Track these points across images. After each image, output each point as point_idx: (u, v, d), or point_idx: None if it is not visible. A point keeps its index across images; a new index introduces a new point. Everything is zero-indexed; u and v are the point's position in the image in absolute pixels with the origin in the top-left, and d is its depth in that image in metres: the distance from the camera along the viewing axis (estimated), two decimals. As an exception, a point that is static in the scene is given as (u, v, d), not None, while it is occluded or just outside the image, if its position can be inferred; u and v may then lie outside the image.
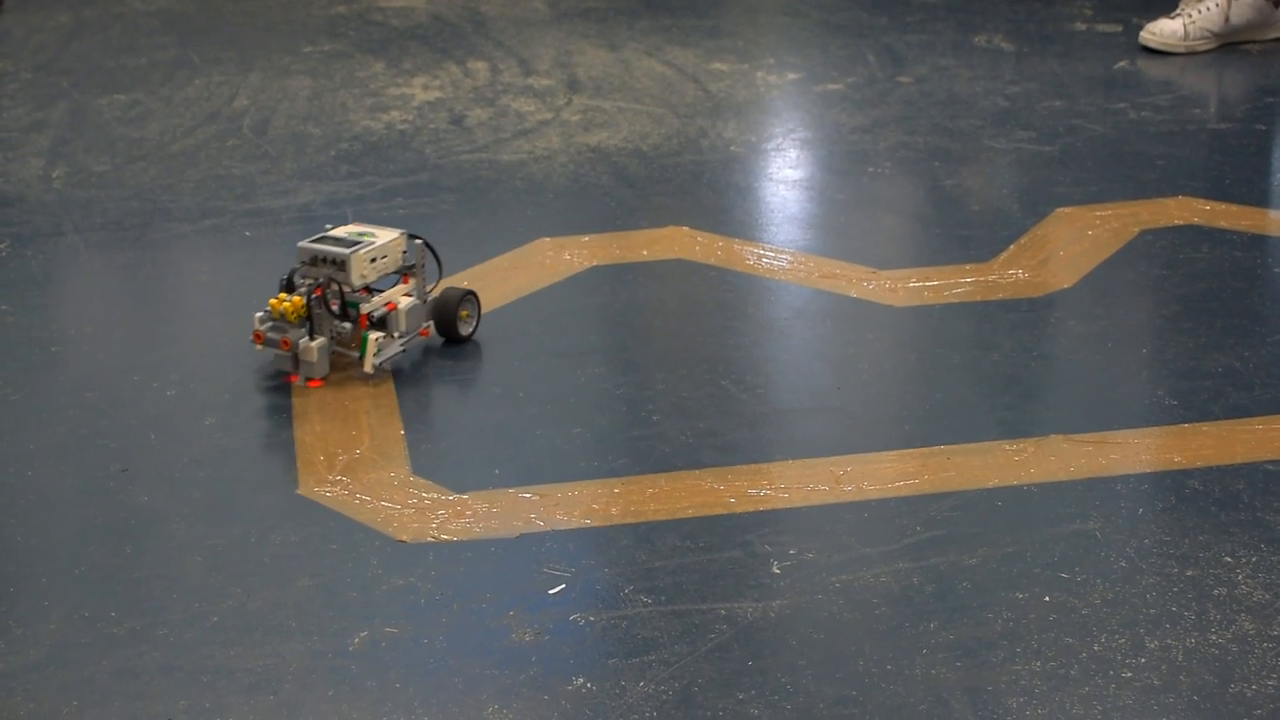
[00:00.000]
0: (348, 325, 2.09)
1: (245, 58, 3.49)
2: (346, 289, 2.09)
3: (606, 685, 1.52)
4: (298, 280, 2.11)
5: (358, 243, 2.11)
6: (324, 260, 2.09)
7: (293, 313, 2.06)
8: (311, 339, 2.07)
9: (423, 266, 2.18)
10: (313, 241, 2.11)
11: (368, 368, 2.08)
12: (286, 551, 1.74)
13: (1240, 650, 1.56)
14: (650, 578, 1.68)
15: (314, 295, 2.06)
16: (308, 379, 2.08)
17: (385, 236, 2.13)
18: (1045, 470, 1.88)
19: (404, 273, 2.17)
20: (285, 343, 2.06)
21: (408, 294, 2.16)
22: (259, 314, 2.09)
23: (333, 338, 2.10)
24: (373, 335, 2.08)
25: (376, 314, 2.10)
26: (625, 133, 3.02)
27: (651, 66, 3.43)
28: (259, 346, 2.08)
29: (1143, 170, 2.82)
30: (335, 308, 2.08)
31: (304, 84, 3.31)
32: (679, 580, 1.68)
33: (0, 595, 1.66)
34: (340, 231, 2.14)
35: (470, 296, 2.20)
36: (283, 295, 2.07)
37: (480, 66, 3.44)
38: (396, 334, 2.12)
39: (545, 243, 2.52)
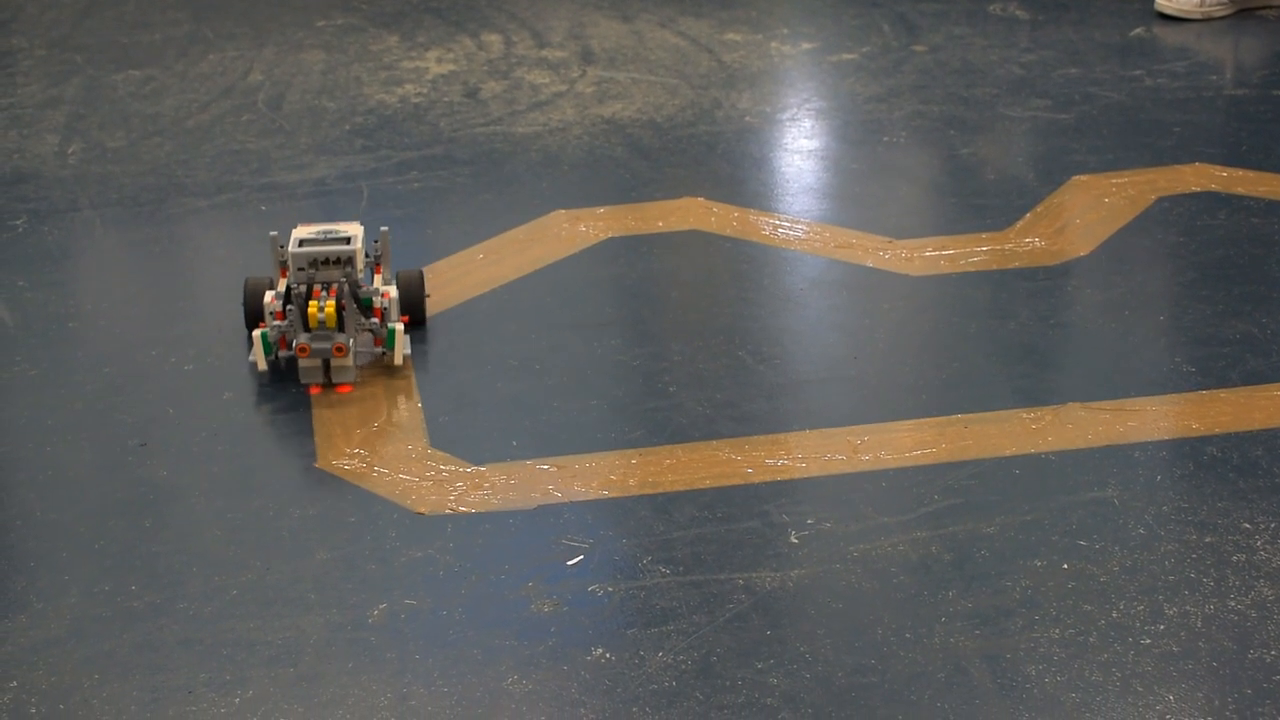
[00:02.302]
0: (377, 321, 2.03)
1: (259, 32, 3.48)
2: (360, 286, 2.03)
3: (625, 655, 1.52)
4: (295, 286, 2.00)
5: (347, 238, 2.03)
6: (328, 261, 2.01)
7: (333, 318, 1.97)
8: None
9: (389, 255, 2.14)
10: (301, 246, 2.01)
11: (399, 360, 2.03)
12: (305, 524, 1.75)
13: (1259, 616, 1.56)
14: (668, 548, 1.69)
15: (345, 295, 1.99)
16: (338, 384, 2.00)
17: (353, 229, 2.07)
18: (1063, 438, 1.87)
19: (376, 263, 2.14)
20: (341, 348, 1.97)
21: (387, 282, 2.12)
22: (262, 331, 2.00)
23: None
24: (398, 326, 2.03)
25: (385, 306, 2.05)
26: (639, 104, 3.02)
27: (665, 37, 3.42)
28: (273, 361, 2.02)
29: (1159, 137, 2.81)
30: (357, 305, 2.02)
31: (318, 58, 3.31)
32: (697, 550, 1.68)
33: (21, 570, 1.67)
34: (305, 232, 2.05)
35: (422, 275, 2.16)
36: (312, 303, 1.97)
37: (494, 39, 3.43)
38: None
39: (560, 215, 2.52)
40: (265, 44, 3.40)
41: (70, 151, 2.82)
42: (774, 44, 3.38)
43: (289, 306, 2.01)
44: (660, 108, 2.99)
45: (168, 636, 1.56)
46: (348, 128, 2.92)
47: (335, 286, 2.00)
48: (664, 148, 2.80)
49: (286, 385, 2.03)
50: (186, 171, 2.73)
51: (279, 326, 2.01)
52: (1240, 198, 2.54)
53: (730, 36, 3.42)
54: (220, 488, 1.81)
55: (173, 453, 1.88)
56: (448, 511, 1.76)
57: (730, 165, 2.73)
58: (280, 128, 2.92)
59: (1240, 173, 2.64)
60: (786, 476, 1.81)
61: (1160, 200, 2.54)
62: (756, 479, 1.81)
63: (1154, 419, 1.92)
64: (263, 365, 2.00)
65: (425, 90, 3.11)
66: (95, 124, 2.95)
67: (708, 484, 1.80)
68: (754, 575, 1.64)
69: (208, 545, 1.71)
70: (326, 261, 2.01)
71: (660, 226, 2.48)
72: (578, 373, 2.05)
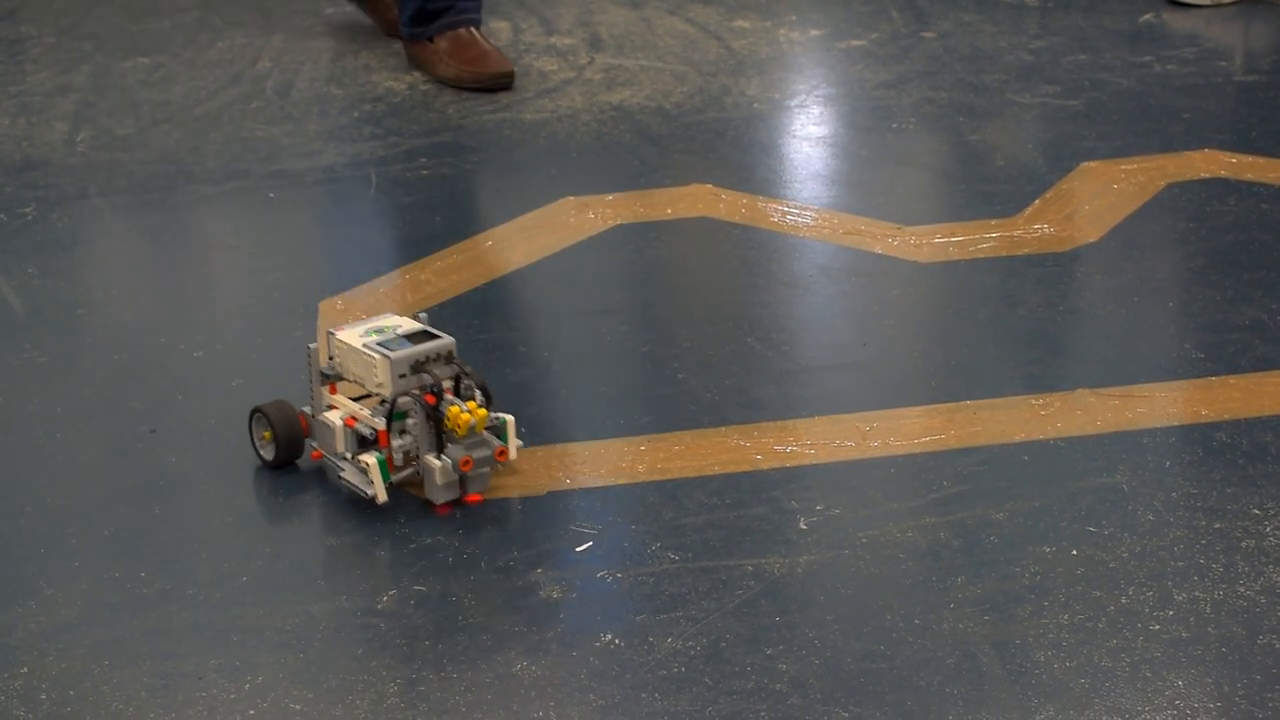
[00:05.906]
0: (508, 417, 1.77)
1: (267, 20, 3.48)
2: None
3: (634, 641, 1.52)
4: (411, 393, 1.72)
5: (427, 331, 1.78)
6: (432, 359, 1.74)
7: (484, 420, 1.72)
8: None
9: None
10: (392, 350, 1.73)
11: (513, 453, 1.77)
12: (314, 511, 1.75)
13: (1269, 602, 1.56)
14: (677, 534, 1.69)
15: (475, 392, 1.74)
16: (468, 495, 1.75)
17: (403, 321, 1.80)
18: (1072, 424, 1.87)
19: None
20: (503, 453, 1.73)
21: None
22: (378, 455, 1.70)
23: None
24: (509, 417, 1.77)
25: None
26: (648, 91, 3.01)
27: (673, 24, 3.42)
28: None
29: (1169, 123, 2.81)
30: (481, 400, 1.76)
31: (326, 45, 3.31)
32: (706, 537, 1.68)
33: (31, 556, 1.67)
34: (353, 335, 1.77)
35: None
36: (454, 408, 1.70)
37: (502, 26, 3.43)
38: None
39: (569, 202, 2.52)
40: (274, 31, 3.40)
41: (79, 139, 2.82)
42: (782, 31, 3.38)
43: (409, 420, 1.74)
44: (669, 94, 2.99)
45: (178, 622, 1.57)
46: (356, 115, 2.92)
47: (473, 384, 1.75)
48: (672, 134, 2.80)
49: (294, 374, 2.03)
50: (195, 159, 2.73)
51: (402, 446, 1.73)
52: (1250, 184, 2.54)
53: (739, 23, 3.42)
54: (229, 474, 1.81)
55: (182, 439, 1.89)
56: (456, 498, 1.76)
57: (739, 152, 2.73)
58: (289, 115, 2.92)
59: (1250, 159, 2.63)
60: (795, 463, 1.81)
61: (1169, 186, 2.54)
62: (765, 465, 1.81)
63: (1163, 405, 1.92)
64: (384, 497, 1.72)
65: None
66: (104, 111, 2.95)
67: (716, 470, 1.80)
68: (763, 561, 1.64)
69: (217, 531, 1.71)
70: (430, 359, 1.75)
71: (669, 213, 2.48)
72: (586, 359, 2.05)
